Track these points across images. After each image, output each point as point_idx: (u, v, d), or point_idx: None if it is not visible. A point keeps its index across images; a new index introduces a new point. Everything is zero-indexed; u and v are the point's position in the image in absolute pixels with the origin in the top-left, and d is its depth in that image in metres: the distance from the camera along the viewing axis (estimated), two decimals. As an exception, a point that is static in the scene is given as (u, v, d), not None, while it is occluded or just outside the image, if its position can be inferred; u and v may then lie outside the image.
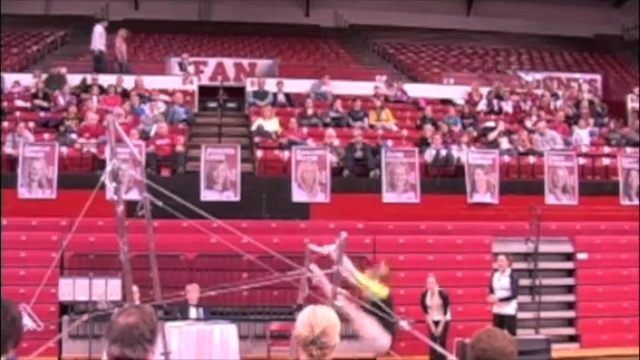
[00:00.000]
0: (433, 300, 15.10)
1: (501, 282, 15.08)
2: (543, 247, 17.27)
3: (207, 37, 32.60)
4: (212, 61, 28.25)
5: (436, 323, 14.95)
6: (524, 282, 16.50)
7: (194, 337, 13.29)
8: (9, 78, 24.20)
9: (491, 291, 15.14)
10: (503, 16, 34.76)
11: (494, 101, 24.38)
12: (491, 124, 22.38)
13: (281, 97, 23.94)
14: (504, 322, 14.59)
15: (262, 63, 28.53)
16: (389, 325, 9.50)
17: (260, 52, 30.92)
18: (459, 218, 18.09)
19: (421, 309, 15.16)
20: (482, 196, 19.00)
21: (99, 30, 25.54)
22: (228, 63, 28.21)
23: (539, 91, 26.16)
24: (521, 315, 15.51)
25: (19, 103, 22.55)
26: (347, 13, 35.61)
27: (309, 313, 4.05)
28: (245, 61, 28.52)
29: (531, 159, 20.21)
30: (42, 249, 15.47)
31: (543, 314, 16.70)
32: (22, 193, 17.92)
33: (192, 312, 14.42)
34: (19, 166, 18.12)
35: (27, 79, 24.06)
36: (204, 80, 26.76)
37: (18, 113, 21.54)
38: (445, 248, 17.06)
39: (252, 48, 31.71)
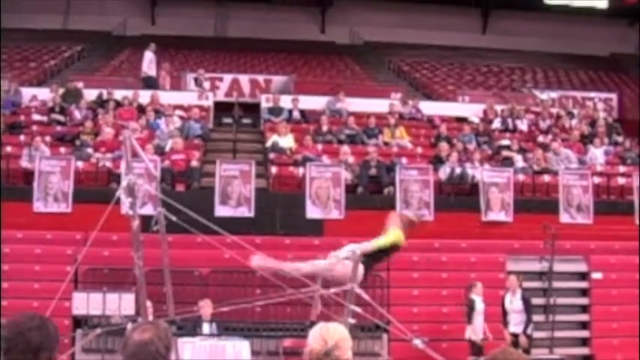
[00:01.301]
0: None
1: (514, 304, 15.00)
2: (558, 267, 17.18)
3: (223, 53, 32.75)
4: (228, 77, 28.35)
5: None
6: (539, 301, 16.42)
7: (207, 352, 13.31)
8: (26, 92, 24.37)
9: (505, 313, 15.06)
10: (518, 35, 34.81)
11: (509, 119, 24.36)
12: (506, 142, 22.34)
13: (296, 114, 23.99)
14: (519, 341, 14.53)
15: (278, 79, 28.61)
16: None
17: (275, 69, 31.01)
18: (473, 236, 18.04)
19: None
20: (496, 215, 18.94)
21: (149, 56, 25.80)
22: (244, 79, 28.31)
23: (554, 110, 26.12)
24: (535, 334, 15.43)
25: (36, 117, 22.69)
26: (362, 30, 35.72)
27: (320, 329, 4.06)
28: (260, 78, 28.61)
29: (546, 177, 20.16)
30: (56, 263, 15.51)
31: (557, 334, 16.60)
32: (38, 206, 17.99)
33: (206, 327, 14.43)
34: (35, 180, 18.20)
35: (44, 94, 24.22)
36: (220, 96, 26.85)
37: (35, 127, 21.68)
38: (459, 266, 17.00)
39: (267, 64, 31.81)
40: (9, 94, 23.75)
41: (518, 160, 20.81)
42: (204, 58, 31.84)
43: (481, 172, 19.41)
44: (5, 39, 31.53)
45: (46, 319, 3.74)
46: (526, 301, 14.98)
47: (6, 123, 21.51)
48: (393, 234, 9.12)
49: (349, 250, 8.98)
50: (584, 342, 17.27)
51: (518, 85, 31.20)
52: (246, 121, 25.16)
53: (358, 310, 9.11)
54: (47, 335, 3.66)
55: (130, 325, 3.79)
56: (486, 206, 18.95)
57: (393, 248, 9.18)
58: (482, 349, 14.37)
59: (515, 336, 14.82)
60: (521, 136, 23.36)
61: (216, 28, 35.88)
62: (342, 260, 8.82)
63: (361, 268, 8.79)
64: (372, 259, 9.15)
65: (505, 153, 21.43)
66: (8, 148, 20.01)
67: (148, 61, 25.74)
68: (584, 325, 17.39)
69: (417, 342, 8.32)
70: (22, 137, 20.78)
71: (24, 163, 18.97)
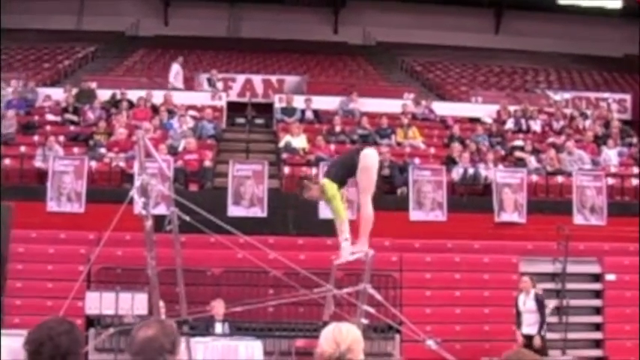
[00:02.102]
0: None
1: (527, 305, 14.95)
2: (571, 268, 17.11)
3: (236, 54, 32.79)
4: (241, 78, 28.39)
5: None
6: (552, 303, 16.38)
7: (219, 352, 13.32)
8: (40, 92, 24.46)
9: (518, 314, 15.02)
10: (531, 35, 34.70)
11: (522, 120, 24.30)
12: (519, 143, 22.29)
13: (309, 114, 24.00)
14: (532, 342, 14.49)
15: (291, 80, 28.62)
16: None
17: (288, 69, 31.02)
18: (486, 237, 18.00)
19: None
20: (509, 216, 18.90)
21: (176, 68, 25.91)
22: (257, 79, 28.34)
23: (567, 111, 26.05)
24: (548, 336, 15.39)
25: (50, 117, 22.77)
26: (375, 30, 35.68)
27: (333, 330, 4.04)
28: (273, 78, 28.63)
29: (559, 179, 20.11)
30: (70, 262, 15.56)
31: (571, 335, 16.54)
32: (51, 206, 18.05)
33: (218, 327, 14.45)
34: (48, 180, 18.26)
35: (58, 94, 24.31)
36: (233, 96, 26.89)
37: (48, 127, 21.76)
38: (472, 267, 16.96)
39: (280, 64, 31.83)
40: (23, 94, 23.85)
41: (532, 161, 20.76)
42: (217, 58, 31.89)
43: (494, 173, 19.37)
44: (19, 39, 31.72)
45: (74, 324, 3.80)
46: (540, 302, 14.94)
47: (20, 123, 21.61)
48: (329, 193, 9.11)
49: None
50: (597, 344, 17.21)
51: (531, 85, 31.11)
52: (259, 121, 25.18)
53: (371, 310, 9.11)
54: (75, 340, 3.72)
55: (137, 325, 3.80)
56: (499, 207, 18.90)
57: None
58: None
59: (528, 337, 14.77)
60: (534, 136, 23.29)
61: (229, 29, 35.90)
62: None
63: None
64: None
65: (518, 154, 21.38)
66: (22, 148, 20.10)
67: (175, 73, 25.89)
68: (597, 327, 17.32)
69: (430, 343, 8.31)
70: (35, 137, 20.86)
71: (38, 163, 19.05)
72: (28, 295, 15.29)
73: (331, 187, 9.00)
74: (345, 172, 9.31)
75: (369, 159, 9.06)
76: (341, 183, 9.28)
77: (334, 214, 9.38)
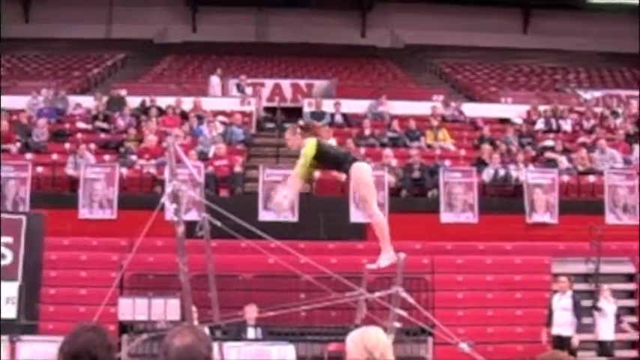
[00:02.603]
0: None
1: (562, 302, 14.85)
2: (604, 268, 16.97)
3: (265, 59, 32.88)
4: (269, 82, 28.47)
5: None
6: (585, 303, 16.23)
7: (252, 356, 13.34)
8: (71, 100, 24.67)
9: (550, 312, 14.91)
10: (560, 34, 34.49)
11: (553, 120, 24.15)
12: (549, 143, 22.15)
13: (338, 118, 24.00)
14: (564, 343, 14.38)
15: (319, 84, 28.64)
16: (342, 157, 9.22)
17: (317, 73, 31.06)
18: (517, 238, 17.91)
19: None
20: (541, 216, 18.79)
21: (215, 81, 26.05)
22: (286, 84, 28.40)
23: (598, 109, 25.84)
24: (582, 337, 15.26)
25: (81, 125, 22.94)
26: (403, 33, 35.65)
27: (361, 337, 4.00)
28: (302, 82, 28.67)
29: (591, 178, 19.94)
30: (102, 269, 15.66)
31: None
32: (83, 213, 18.19)
33: (251, 332, 14.48)
34: (80, 187, 18.39)
35: (88, 102, 24.51)
36: (262, 101, 26.94)
37: (79, 135, 21.92)
38: (504, 269, 16.88)
39: (309, 69, 31.88)
40: (53, 102, 24.06)
41: (563, 161, 20.61)
42: (246, 63, 31.99)
43: (525, 174, 19.26)
44: (49, 49, 32.03)
45: (106, 332, 3.81)
46: (576, 303, 14.81)
47: (51, 131, 21.79)
48: (304, 150, 8.89)
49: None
50: (632, 344, 17.05)
51: (561, 85, 30.93)
52: (288, 125, 25.15)
53: (403, 313, 9.07)
54: (110, 349, 3.73)
55: (168, 333, 3.78)
56: (531, 208, 18.80)
57: (315, 155, 8.90)
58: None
59: (559, 338, 14.64)
60: (565, 136, 23.14)
61: (257, 34, 36.01)
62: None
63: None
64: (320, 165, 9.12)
65: (549, 154, 21.24)
66: (54, 156, 20.28)
67: (215, 85, 26.02)
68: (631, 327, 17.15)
69: (463, 346, 8.27)
70: (67, 145, 21.03)
71: (69, 171, 19.19)
72: (62, 302, 15.41)
73: (311, 149, 8.81)
74: (329, 161, 9.16)
75: (364, 174, 8.83)
76: (318, 163, 9.12)
77: (294, 170, 9.18)
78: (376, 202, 9.24)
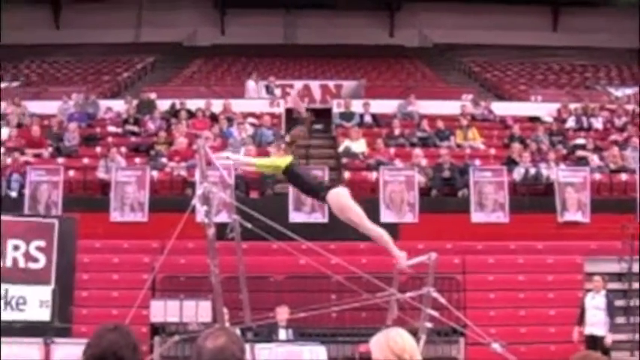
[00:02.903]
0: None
1: (595, 300, 14.70)
2: (637, 267, 16.83)
3: (293, 60, 32.90)
4: (298, 84, 28.46)
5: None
6: (619, 303, 16.11)
7: (284, 358, 13.34)
8: (101, 104, 24.83)
9: (582, 311, 14.78)
10: (590, 31, 34.22)
11: (584, 118, 23.97)
12: (580, 141, 21.99)
13: (367, 118, 23.97)
14: (597, 343, 14.25)
15: (348, 84, 28.62)
16: (315, 189, 9.05)
17: (346, 74, 31.03)
18: (549, 238, 17.79)
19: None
20: (573, 215, 18.67)
21: (252, 85, 26.18)
22: (314, 85, 28.39)
23: (629, 107, 25.60)
24: (615, 337, 15.12)
25: (111, 128, 23.08)
26: (431, 32, 35.55)
27: (387, 340, 3.96)
28: (331, 83, 28.66)
29: (623, 176, 19.78)
30: (134, 271, 15.76)
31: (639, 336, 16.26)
32: (115, 216, 18.31)
33: (282, 333, 14.48)
34: (111, 190, 18.52)
35: (118, 105, 24.64)
36: (291, 103, 26.94)
37: (110, 139, 22.05)
38: (535, 268, 16.78)
39: (337, 70, 31.86)
40: (84, 107, 24.23)
41: (594, 159, 20.46)
42: (275, 65, 32.02)
43: (556, 172, 19.15)
44: (79, 54, 32.27)
45: (130, 332, 3.81)
46: (610, 303, 14.68)
47: (82, 135, 21.95)
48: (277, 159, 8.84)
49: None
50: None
51: (591, 82, 30.67)
52: (317, 126, 25.19)
53: (435, 314, 9.05)
54: (134, 348, 3.74)
55: (201, 335, 3.78)
56: (562, 207, 18.68)
57: (285, 172, 8.84)
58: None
59: (591, 338, 14.51)
60: (596, 134, 22.96)
61: (285, 36, 36.06)
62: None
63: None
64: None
65: (580, 152, 21.09)
66: (85, 160, 20.42)
67: (251, 89, 26.08)
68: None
69: (496, 346, 8.23)
70: (98, 149, 21.18)
71: (100, 174, 19.31)
72: (95, 305, 15.51)
73: (283, 162, 8.77)
74: (299, 186, 9.04)
75: (342, 199, 8.75)
76: (289, 181, 9.07)
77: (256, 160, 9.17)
78: (365, 217, 9.17)
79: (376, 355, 3.96)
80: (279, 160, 8.84)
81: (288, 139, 9.35)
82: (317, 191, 8.70)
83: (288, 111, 25.50)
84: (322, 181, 9.51)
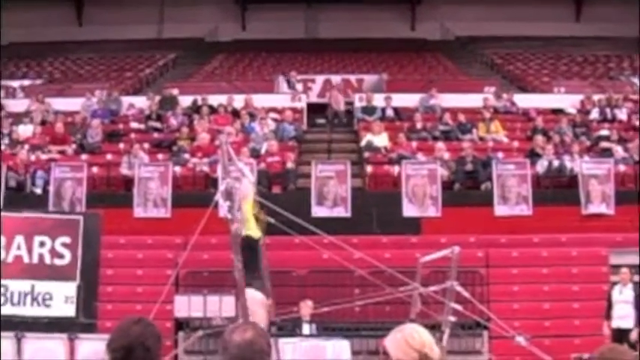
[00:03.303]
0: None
1: (624, 294, 14.56)
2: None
3: (315, 55, 32.89)
4: (320, 78, 28.44)
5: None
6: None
7: (307, 352, 13.37)
8: (124, 101, 24.94)
9: (609, 305, 14.68)
10: (613, 21, 33.92)
11: (607, 109, 23.80)
12: (604, 132, 21.84)
13: (389, 112, 23.93)
14: (624, 336, 14.16)
15: (370, 78, 28.57)
16: (250, 269, 8.88)
17: (367, 68, 30.98)
18: (573, 230, 17.70)
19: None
20: (597, 207, 18.55)
21: (282, 80, 26.19)
22: (336, 79, 28.34)
23: (654, 97, 25.41)
24: (641, 330, 15.02)
25: (134, 125, 23.19)
26: (453, 25, 35.41)
27: (404, 338, 3.93)
28: (352, 77, 28.62)
29: (648, 167, 19.64)
30: (157, 267, 15.84)
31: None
32: (138, 212, 18.39)
33: (305, 328, 14.51)
34: (134, 186, 18.60)
35: (141, 102, 24.76)
36: (313, 97, 26.96)
37: (133, 135, 22.16)
38: (560, 261, 16.69)
39: (359, 64, 31.82)
40: (107, 103, 24.37)
41: (618, 151, 20.32)
42: (296, 60, 32.01)
43: (580, 165, 19.03)
44: (102, 50, 32.44)
45: (152, 324, 3.86)
46: (638, 296, 14.56)
47: (105, 132, 22.07)
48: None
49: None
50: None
51: (615, 73, 30.42)
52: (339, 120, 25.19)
53: (458, 307, 9.05)
54: (158, 338, 3.80)
55: (228, 329, 3.79)
56: (586, 199, 18.57)
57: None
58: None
59: (619, 331, 14.42)
60: (620, 125, 22.79)
61: (306, 30, 36.06)
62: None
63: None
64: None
65: (604, 144, 20.95)
66: (108, 156, 20.54)
67: (281, 84, 26.14)
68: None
69: (520, 339, 8.22)
70: (121, 145, 21.29)
71: (124, 171, 19.41)
72: (119, 300, 15.59)
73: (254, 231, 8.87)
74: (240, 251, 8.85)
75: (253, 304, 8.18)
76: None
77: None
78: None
79: (397, 355, 3.94)
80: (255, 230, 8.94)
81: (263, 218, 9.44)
82: (246, 273, 8.42)
83: (310, 105, 25.53)
84: (253, 275, 9.23)
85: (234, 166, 9.03)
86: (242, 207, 9.02)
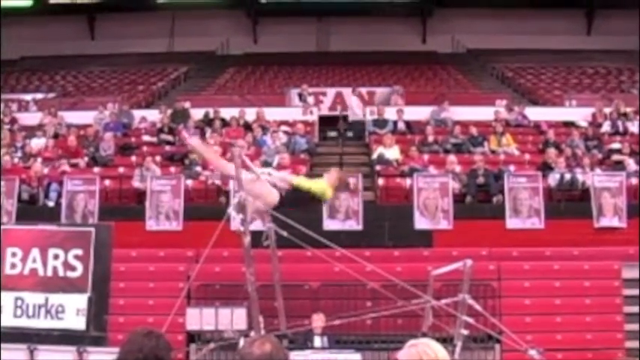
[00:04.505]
0: None
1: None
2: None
3: (326, 68, 32.97)
4: (331, 91, 28.48)
5: None
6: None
7: (319, 366, 13.36)
8: (136, 114, 25.05)
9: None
10: (624, 34, 33.87)
11: (619, 122, 23.76)
12: (616, 145, 21.82)
13: (401, 125, 23.94)
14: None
15: (381, 91, 28.59)
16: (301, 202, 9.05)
17: (378, 81, 31.02)
18: (585, 243, 17.64)
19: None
20: (609, 220, 18.50)
21: (355, 102, 26.17)
22: (347, 92, 28.38)
23: (666, 110, 25.35)
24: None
25: (146, 138, 23.27)
26: (464, 38, 35.46)
27: (418, 354, 3.93)
28: (364, 90, 28.65)
29: (660, 180, 19.59)
30: (170, 280, 15.85)
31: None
32: (150, 225, 18.42)
33: (317, 341, 14.50)
34: (147, 199, 18.64)
35: (153, 115, 24.85)
36: (324, 110, 27.01)
37: (145, 148, 22.23)
38: (572, 274, 16.63)
39: (370, 77, 31.87)
40: (119, 117, 24.47)
41: (630, 164, 20.28)
42: (307, 73, 32.11)
43: (592, 178, 18.99)
44: (114, 64, 32.61)
45: (162, 335, 3.88)
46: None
47: (117, 145, 22.15)
48: (321, 184, 8.82)
49: (278, 175, 8.87)
50: None
51: (627, 86, 30.39)
52: (351, 134, 25.23)
53: (470, 320, 9.04)
54: (169, 350, 3.82)
55: (242, 341, 3.81)
56: (598, 212, 18.52)
57: (315, 198, 8.83)
58: None
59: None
60: (632, 138, 22.74)
61: (317, 43, 36.14)
62: (262, 178, 8.56)
63: (275, 193, 8.47)
64: (294, 196, 8.99)
65: (616, 157, 20.93)
66: (120, 169, 20.60)
67: (355, 106, 26.07)
68: None
69: (533, 352, 8.20)
70: (133, 158, 21.36)
71: (136, 184, 19.47)
72: (131, 313, 15.61)
73: (323, 193, 8.85)
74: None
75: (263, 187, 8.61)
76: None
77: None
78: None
79: None
80: (319, 187, 8.91)
81: (332, 180, 9.40)
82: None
83: (321, 118, 25.57)
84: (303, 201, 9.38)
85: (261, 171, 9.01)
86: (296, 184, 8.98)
